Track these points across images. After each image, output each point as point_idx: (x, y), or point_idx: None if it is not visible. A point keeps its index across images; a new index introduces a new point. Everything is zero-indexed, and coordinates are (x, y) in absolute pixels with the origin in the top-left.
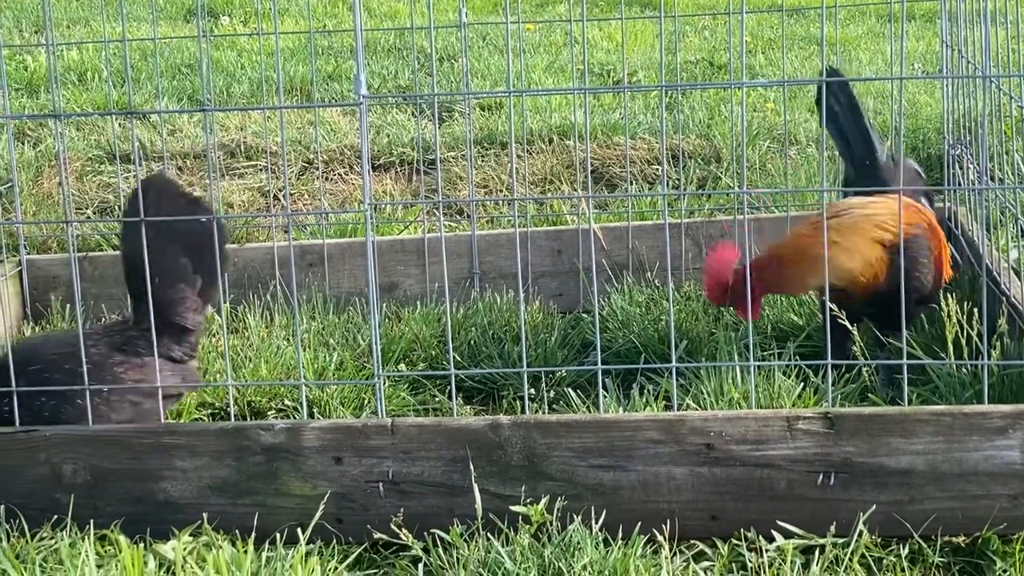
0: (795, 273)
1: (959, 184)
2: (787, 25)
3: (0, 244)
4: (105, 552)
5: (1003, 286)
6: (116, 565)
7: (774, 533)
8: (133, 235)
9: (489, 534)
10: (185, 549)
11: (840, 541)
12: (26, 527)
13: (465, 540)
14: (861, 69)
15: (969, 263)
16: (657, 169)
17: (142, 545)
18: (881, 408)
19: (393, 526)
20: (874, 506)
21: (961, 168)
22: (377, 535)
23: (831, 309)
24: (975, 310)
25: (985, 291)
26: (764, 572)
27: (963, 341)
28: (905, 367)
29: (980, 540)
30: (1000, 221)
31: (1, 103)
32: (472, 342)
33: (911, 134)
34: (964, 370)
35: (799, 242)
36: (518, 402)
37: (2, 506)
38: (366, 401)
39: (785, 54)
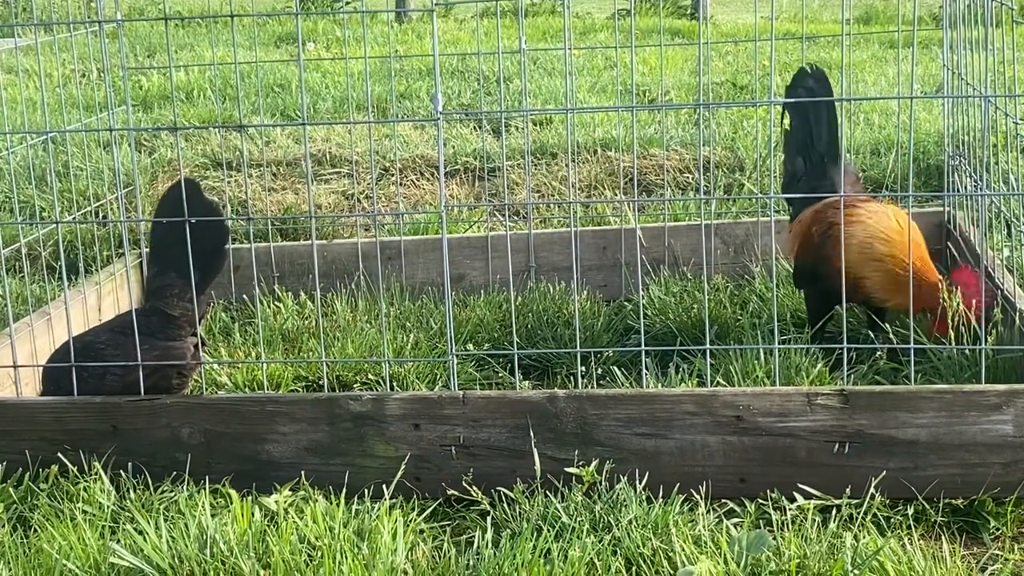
0: None
1: (957, 191)
2: (800, 51)
3: (125, 238)
4: (217, 504)
5: (997, 280)
6: (227, 515)
7: (795, 494)
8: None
9: (547, 492)
10: (285, 502)
11: (854, 502)
12: (150, 481)
13: (526, 497)
14: (867, 89)
15: (966, 261)
16: (688, 176)
17: (249, 498)
18: (890, 386)
19: (464, 484)
20: (884, 472)
21: (959, 176)
22: (450, 492)
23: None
24: None
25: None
26: (787, 528)
27: (962, 328)
28: (912, 351)
29: (976, 502)
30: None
31: (126, 118)
32: (529, 326)
33: (913, 146)
34: (963, 354)
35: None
36: (570, 378)
37: (129, 463)
38: (438, 376)
39: None
